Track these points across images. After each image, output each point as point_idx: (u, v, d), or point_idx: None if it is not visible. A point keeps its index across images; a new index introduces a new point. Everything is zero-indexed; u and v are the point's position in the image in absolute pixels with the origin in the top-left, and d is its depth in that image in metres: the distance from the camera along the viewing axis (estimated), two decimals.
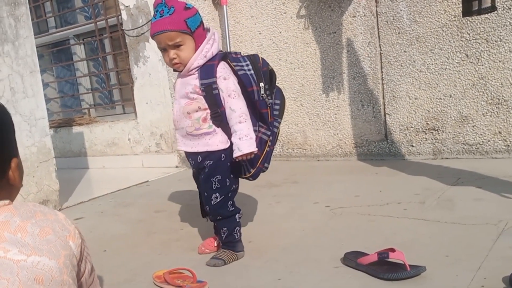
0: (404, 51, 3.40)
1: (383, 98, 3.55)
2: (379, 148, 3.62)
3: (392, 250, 1.72)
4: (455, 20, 3.20)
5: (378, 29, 3.48)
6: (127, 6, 4.32)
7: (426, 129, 3.41)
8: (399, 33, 3.40)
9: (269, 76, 2.06)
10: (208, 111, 1.99)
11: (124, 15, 4.36)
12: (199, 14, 1.99)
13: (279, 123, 2.12)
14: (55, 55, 5.49)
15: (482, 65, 3.16)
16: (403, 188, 2.76)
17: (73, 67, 5.29)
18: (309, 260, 1.94)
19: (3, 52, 2.99)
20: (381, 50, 3.50)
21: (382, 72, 3.52)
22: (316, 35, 3.74)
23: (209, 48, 1.98)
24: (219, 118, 1.99)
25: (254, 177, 2.11)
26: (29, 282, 0.82)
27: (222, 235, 2.07)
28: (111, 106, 5.05)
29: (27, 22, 3.15)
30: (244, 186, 3.28)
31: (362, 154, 3.70)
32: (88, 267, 1.01)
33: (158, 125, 4.39)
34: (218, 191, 2.02)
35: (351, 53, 3.62)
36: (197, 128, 2.01)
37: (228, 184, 2.05)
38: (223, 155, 2.01)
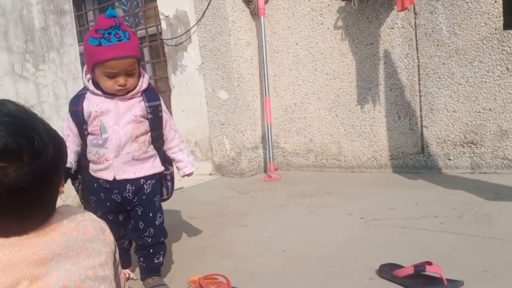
0: (443, 64, 3.36)
1: (420, 111, 3.51)
2: (415, 160, 3.57)
3: (429, 263, 1.70)
4: (495, 33, 3.15)
5: (417, 41, 3.45)
6: (166, 16, 4.41)
7: (464, 143, 3.35)
8: (438, 45, 3.36)
9: None
10: (150, 133, 1.96)
11: (163, 25, 4.46)
12: None
13: None
14: None
15: None
16: (439, 202, 2.72)
17: None
18: (344, 271, 1.93)
19: (49, 59, 3.11)
20: (419, 62, 3.47)
21: (419, 84, 3.49)
22: (353, 46, 3.74)
23: (144, 71, 1.99)
24: (161, 140, 2.00)
25: (170, 196, 2.16)
26: (82, 277, 0.88)
27: (157, 260, 2.00)
28: None
29: (72, 31, 3.27)
30: (278, 195, 3.30)
31: (398, 167, 3.65)
32: (117, 258, 1.07)
33: (194, 133, 4.45)
34: (159, 211, 2.02)
35: (388, 65, 3.60)
36: (144, 152, 1.95)
37: (161, 205, 2.05)
38: (159, 176, 2.02)
